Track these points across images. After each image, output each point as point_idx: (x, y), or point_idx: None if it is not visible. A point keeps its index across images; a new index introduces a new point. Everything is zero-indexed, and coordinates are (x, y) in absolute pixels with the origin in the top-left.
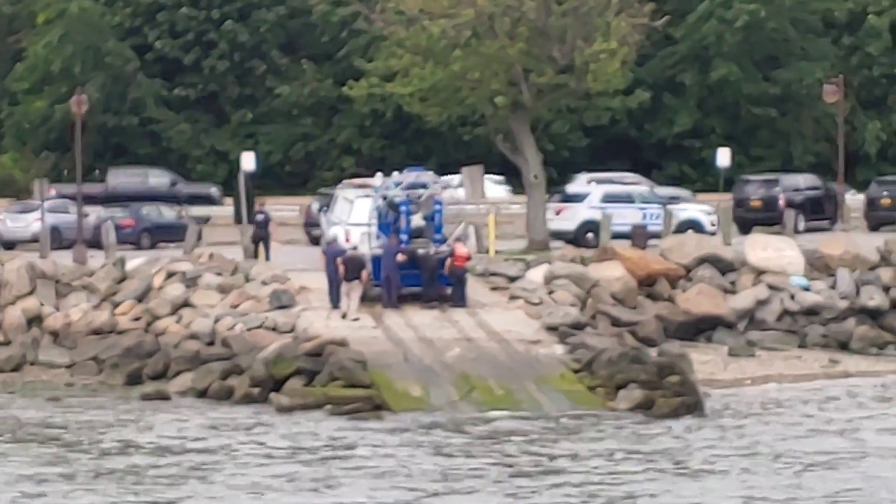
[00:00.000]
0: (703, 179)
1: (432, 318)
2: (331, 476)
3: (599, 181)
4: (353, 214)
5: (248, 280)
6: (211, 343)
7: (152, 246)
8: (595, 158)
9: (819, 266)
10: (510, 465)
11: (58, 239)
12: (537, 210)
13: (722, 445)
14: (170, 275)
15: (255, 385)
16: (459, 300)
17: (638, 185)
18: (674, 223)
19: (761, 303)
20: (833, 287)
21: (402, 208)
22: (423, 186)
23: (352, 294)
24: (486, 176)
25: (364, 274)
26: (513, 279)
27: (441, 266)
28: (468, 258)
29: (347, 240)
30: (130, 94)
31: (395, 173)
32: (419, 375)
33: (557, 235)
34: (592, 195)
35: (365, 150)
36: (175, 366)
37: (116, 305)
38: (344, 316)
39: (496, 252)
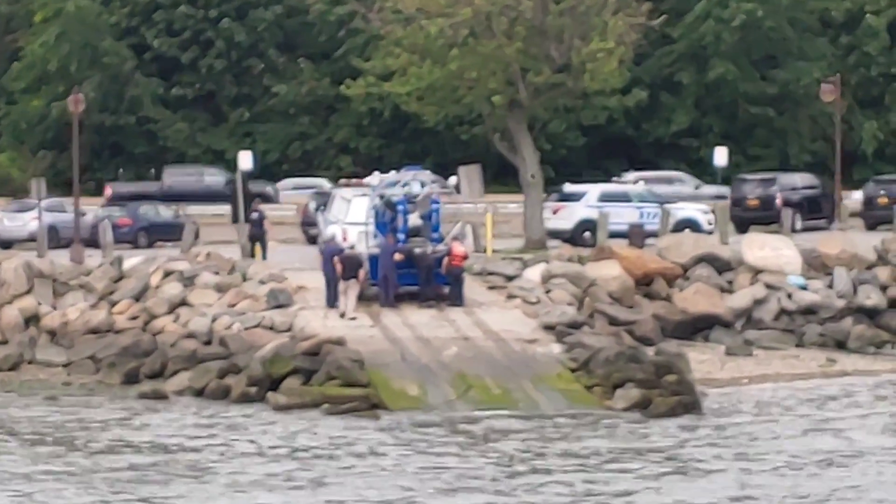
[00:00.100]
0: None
1: (429, 317)
2: (328, 475)
3: (647, 180)
4: (351, 213)
5: (245, 279)
6: (208, 342)
7: (149, 245)
8: (592, 158)
9: (816, 265)
10: (507, 465)
11: (55, 238)
12: (534, 209)
13: (719, 444)
14: (167, 274)
15: (253, 384)
16: (457, 299)
17: (684, 182)
18: (671, 222)
19: (758, 302)
20: (830, 286)
21: (399, 207)
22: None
23: (349, 293)
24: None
25: (361, 273)
26: (510, 278)
27: (438, 265)
28: (465, 257)
29: (344, 239)
30: (127, 93)
31: (393, 172)
32: (416, 374)
33: (555, 234)
34: (589, 194)
35: (362, 150)
36: (172, 365)
37: (114, 304)
38: (342, 315)
39: (493, 251)
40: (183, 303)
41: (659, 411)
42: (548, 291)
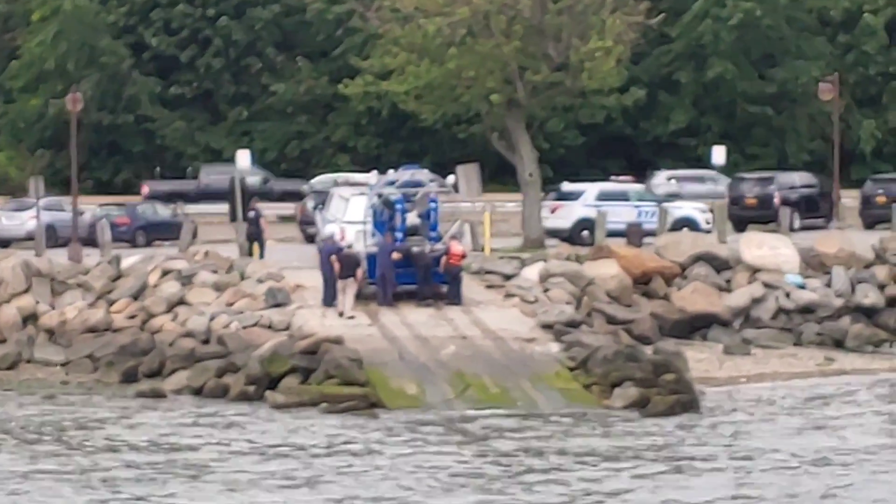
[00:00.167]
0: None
1: (427, 316)
2: (326, 474)
3: (679, 178)
4: (349, 212)
5: (243, 278)
6: (206, 341)
7: (147, 244)
8: (590, 156)
9: (814, 264)
10: (505, 463)
11: (53, 237)
12: (533, 208)
13: (717, 443)
14: (165, 273)
15: (251, 383)
16: (455, 298)
17: (716, 181)
18: (669, 221)
19: (756, 301)
20: (828, 285)
21: (398, 206)
22: (419, 185)
23: (347, 292)
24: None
25: (359, 272)
26: (508, 277)
27: (436, 264)
28: (463, 256)
29: (342, 237)
30: (125, 92)
31: (391, 171)
32: (414, 373)
33: (553, 233)
34: (587, 193)
35: (360, 148)
36: (170, 364)
37: (112, 303)
38: (341, 314)
39: (491, 250)
40: (181, 302)
41: (657, 410)
42: (546, 290)
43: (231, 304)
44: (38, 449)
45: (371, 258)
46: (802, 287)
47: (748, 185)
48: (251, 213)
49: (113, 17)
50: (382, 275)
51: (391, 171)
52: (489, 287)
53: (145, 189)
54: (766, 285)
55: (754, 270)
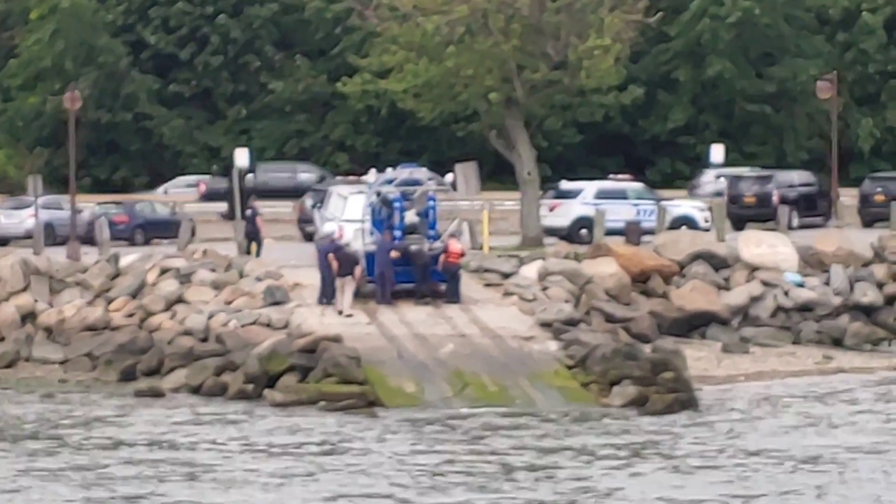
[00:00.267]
0: (696, 176)
1: (426, 314)
2: (324, 472)
3: (726, 177)
4: (347, 211)
5: (242, 276)
6: (205, 339)
7: (146, 242)
8: (589, 155)
9: (813, 262)
10: (503, 462)
11: (51, 235)
12: (531, 206)
13: (715, 442)
14: (163, 271)
15: (249, 381)
16: (453, 296)
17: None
18: (667, 220)
19: (755, 299)
20: (827, 283)
21: (396, 205)
22: (417, 183)
23: (345, 290)
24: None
25: (357, 270)
26: (507, 275)
27: (435, 262)
28: (462, 254)
29: (340, 236)
30: (123, 90)
31: (389, 169)
32: (413, 372)
33: (551, 232)
34: (586, 192)
35: (359, 147)
36: (169, 362)
37: (110, 302)
38: (340, 312)
39: (490, 248)
40: (179, 300)
41: (655, 408)
42: (544, 289)
43: (229, 303)
44: (36, 447)
45: (370, 256)
46: (801, 285)
47: (747, 184)
48: (248, 212)
49: (111, 15)
50: (381, 273)
51: (389, 170)
52: (488, 285)
53: (202, 187)
54: (765, 284)
55: (753, 269)
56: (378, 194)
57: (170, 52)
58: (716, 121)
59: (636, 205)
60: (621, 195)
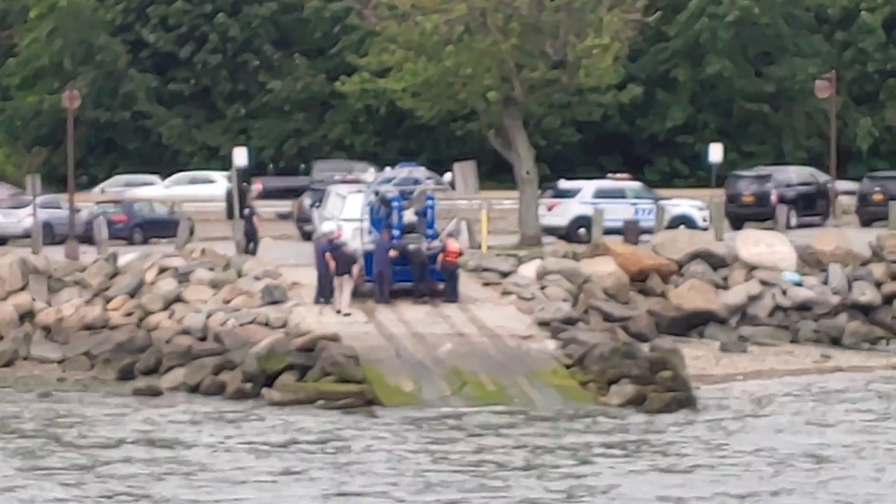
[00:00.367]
0: (695, 175)
1: (424, 313)
2: (322, 471)
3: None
4: (346, 210)
5: (240, 275)
6: (203, 338)
7: (144, 241)
8: (587, 154)
9: (811, 261)
10: (501, 461)
11: (50, 234)
12: (529, 205)
13: (713, 440)
14: (162, 270)
15: (248, 380)
16: (451, 295)
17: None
18: (666, 219)
19: (753, 298)
20: (825, 282)
21: (394, 204)
22: (415, 182)
23: (343, 289)
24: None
25: (356, 269)
26: (505, 274)
27: (433, 261)
28: (460, 253)
29: (338, 235)
30: (122, 89)
31: (388, 168)
32: (411, 370)
33: (550, 231)
34: (584, 191)
35: (358, 146)
36: (167, 361)
37: (108, 301)
38: (338, 311)
39: (488, 247)
40: (178, 299)
41: (653, 407)
42: (542, 288)
43: (228, 302)
44: (34, 446)
45: (368, 256)
46: (799, 284)
47: (745, 183)
48: (246, 211)
49: (110, 13)
50: (379, 272)
51: (388, 169)
52: (486, 284)
53: (259, 185)
54: (763, 283)
55: (751, 268)
56: (376, 193)
57: (168, 51)
58: (714, 120)
59: (634, 204)
60: (620, 194)
